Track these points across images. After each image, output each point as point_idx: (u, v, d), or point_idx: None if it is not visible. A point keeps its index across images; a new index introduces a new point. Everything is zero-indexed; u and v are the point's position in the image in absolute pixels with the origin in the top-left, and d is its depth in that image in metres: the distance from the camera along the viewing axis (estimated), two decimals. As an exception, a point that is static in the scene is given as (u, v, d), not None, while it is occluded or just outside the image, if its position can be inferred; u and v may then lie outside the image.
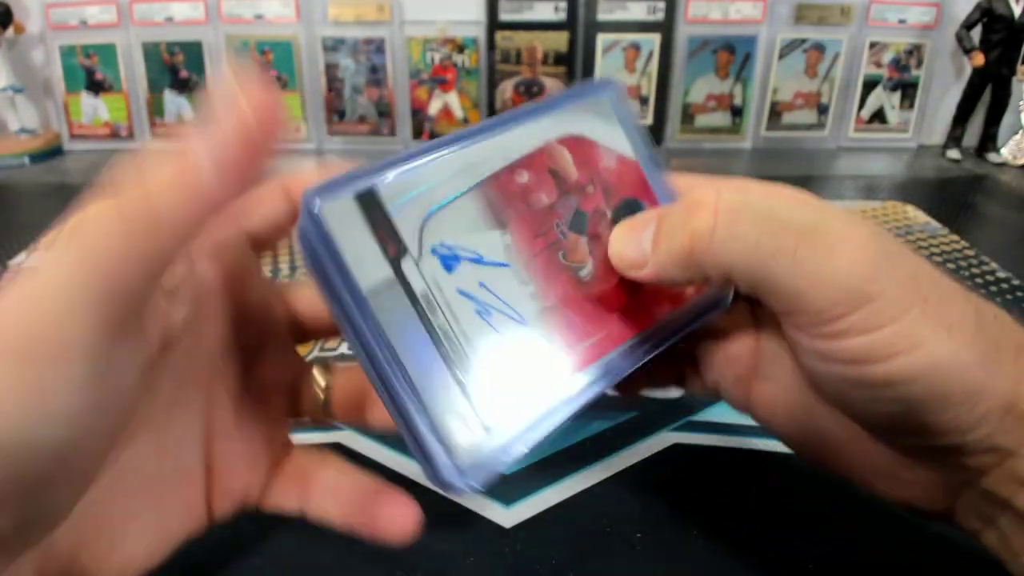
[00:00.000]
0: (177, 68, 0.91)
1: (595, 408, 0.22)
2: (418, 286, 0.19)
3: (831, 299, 0.18)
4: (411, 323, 0.19)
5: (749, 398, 0.25)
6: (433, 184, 0.20)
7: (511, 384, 0.20)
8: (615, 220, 0.23)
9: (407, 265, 0.19)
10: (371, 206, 0.18)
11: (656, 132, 0.94)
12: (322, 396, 0.25)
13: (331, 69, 0.91)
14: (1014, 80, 0.91)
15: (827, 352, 0.20)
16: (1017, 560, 0.20)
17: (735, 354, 0.25)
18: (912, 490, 0.22)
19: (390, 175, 0.19)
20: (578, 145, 0.23)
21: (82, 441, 0.16)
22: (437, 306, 0.19)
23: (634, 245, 0.22)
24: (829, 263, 0.18)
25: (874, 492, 0.23)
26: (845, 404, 0.21)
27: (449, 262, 0.20)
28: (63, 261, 0.16)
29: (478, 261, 0.20)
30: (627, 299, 0.23)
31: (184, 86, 0.92)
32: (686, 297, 0.24)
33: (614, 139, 0.24)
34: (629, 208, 0.24)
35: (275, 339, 0.25)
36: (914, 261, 0.19)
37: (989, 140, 0.93)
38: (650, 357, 0.23)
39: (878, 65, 0.93)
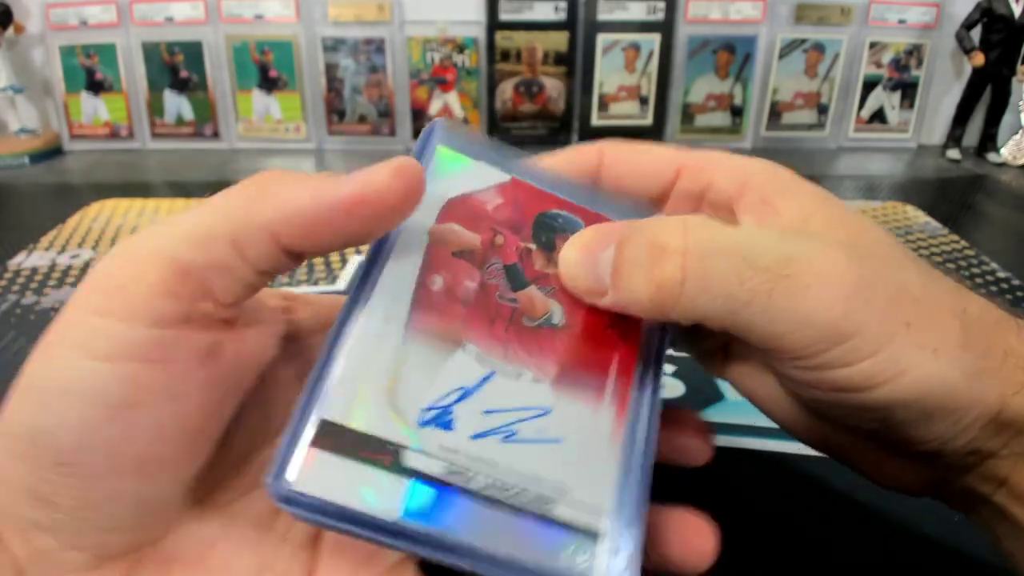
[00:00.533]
0: (177, 68, 0.91)
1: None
2: (436, 468, 0.17)
3: (808, 340, 0.18)
4: (462, 513, 0.17)
5: (724, 371, 0.24)
6: (369, 367, 0.18)
7: (582, 472, 0.18)
8: (543, 245, 0.21)
9: (411, 459, 0.17)
10: (334, 438, 0.17)
11: (656, 132, 0.94)
12: None
13: (331, 69, 0.91)
14: (1014, 80, 0.91)
15: (809, 382, 0.19)
16: (1000, 544, 0.21)
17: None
18: (895, 478, 0.22)
19: (327, 392, 0.17)
20: (454, 209, 0.20)
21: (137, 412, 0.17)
22: (468, 470, 0.18)
23: (589, 271, 0.20)
24: (804, 306, 0.18)
25: (859, 472, 0.23)
26: (828, 417, 0.21)
27: (443, 420, 0.18)
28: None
29: (466, 394, 0.18)
30: (609, 319, 0.21)
31: (184, 86, 0.92)
32: None
33: (477, 175, 0.21)
34: (543, 226, 0.21)
35: None
36: (894, 283, 0.19)
37: (989, 140, 0.93)
38: (663, 361, 0.21)
39: (878, 65, 0.93)
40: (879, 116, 0.96)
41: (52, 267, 0.56)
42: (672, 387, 0.40)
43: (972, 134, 0.96)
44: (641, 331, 0.21)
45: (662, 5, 0.89)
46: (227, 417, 0.20)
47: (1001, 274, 0.56)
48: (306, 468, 0.17)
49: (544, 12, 0.89)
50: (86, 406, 0.17)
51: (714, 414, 0.37)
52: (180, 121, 0.93)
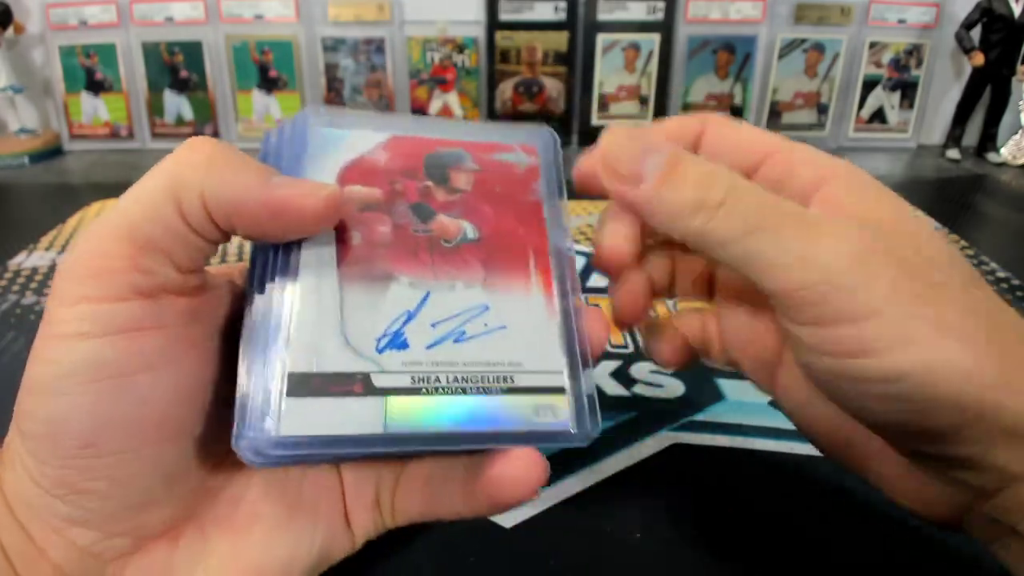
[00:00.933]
0: (177, 68, 0.91)
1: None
2: (403, 381, 0.20)
3: (807, 278, 0.18)
4: (437, 409, 0.20)
5: (773, 384, 0.24)
6: (315, 318, 0.20)
7: (531, 346, 0.22)
8: (438, 180, 0.23)
9: (379, 380, 0.20)
10: (305, 385, 0.19)
11: (656, 132, 0.94)
12: None
13: (331, 69, 0.91)
14: (1014, 80, 0.91)
15: (815, 343, 0.19)
16: None
17: (760, 334, 0.24)
18: (920, 500, 0.22)
19: (287, 347, 0.20)
20: (350, 174, 0.22)
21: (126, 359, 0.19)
22: (431, 374, 0.21)
23: (633, 158, 0.21)
24: (811, 245, 0.18)
25: (888, 496, 0.22)
26: (842, 400, 0.21)
27: (397, 342, 0.21)
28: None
29: (411, 316, 0.21)
30: (516, 221, 0.24)
31: (184, 86, 0.92)
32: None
33: (361, 141, 0.23)
34: (433, 164, 0.23)
35: None
36: (919, 267, 0.19)
37: (989, 140, 0.93)
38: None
39: (878, 65, 0.93)
40: (879, 116, 0.96)
41: (52, 267, 0.56)
42: (672, 387, 0.40)
43: (972, 134, 0.96)
44: (545, 225, 0.24)
45: (662, 5, 0.89)
46: (220, 373, 0.21)
47: (1001, 274, 0.56)
48: (288, 415, 0.19)
49: (544, 12, 0.89)
50: (95, 382, 0.18)
51: (714, 414, 0.37)
52: (180, 121, 0.93)
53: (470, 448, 0.21)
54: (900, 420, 0.19)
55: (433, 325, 0.21)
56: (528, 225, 0.24)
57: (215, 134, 0.94)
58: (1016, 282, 0.54)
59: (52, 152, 0.92)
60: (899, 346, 0.18)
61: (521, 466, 0.21)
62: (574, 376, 0.22)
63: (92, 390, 0.18)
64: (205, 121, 0.93)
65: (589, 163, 0.23)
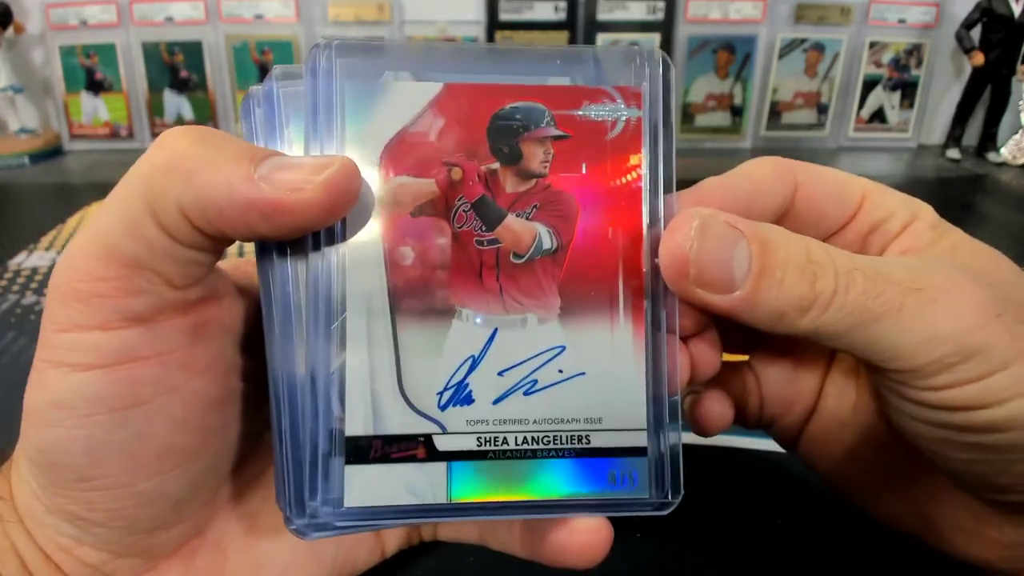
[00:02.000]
0: (177, 68, 0.91)
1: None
2: (469, 444, 0.18)
3: (938, 354, 0.17)
4: (506, 474, 0.18)
5: (799, 438, 0.24)
6: (371, 371, 0.18)
7: (611, 398, 0.19)
8: (507, 159, 0.18)
9: (444, 443, 0.18)
10: (363, 451, 0.17)
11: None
12: None
13: (331, 69, 0.91)
14: (1014, 80, 0.91)
15: (933, 401, 0.18)
16: None
17: (801, 389, 0.24)
18: (994, 549, 0.20)
19: (346, 404, 0.17)
20: (394, 156, 0.18)
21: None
22: (498, 435, 0.18)
23: (717, 261, 0.18)
24: (933, 319, 0.17)
25: (943, 546, 0.21)
26: (941, 455, 0.19)
27: (460, 396, 0.18)
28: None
29: (476, 363, 0.18)
30: (604, 218, 0.19)
31: (184, 86, 0.92)
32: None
33: (403, 99, 0.18)
34: (501, 133, 0.18)
35: None
36: (1021, 300, 0.18)
37: (989, 140, 0.93)
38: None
39: (878, 65, 0.93)
40: (879, 116, 0.96)
41: (52, 267, 0.56)
42: (672, 387, 0.40)
43: (972, 134, 0.96)
44: (643, 223, 0.19)
45: (662, 5, 0.89)
46: (236, 388, 0.20)
47: (1001, 274, 0.56)
48: (350, 486, 0.17)
49: (544, 12, 0.89)
50: (88, 416, 0.17)
51: (714, 414, 0.37)
52: (180, 121, 0.93)
53: (537, 517, 0.19)
54: (1004, 468, 0.18)
55: (500, 373, 0.18)
56: (621, 223, 0.19)
57: (215, 134, 0.94)
58: (1016, 282, 0.54)
59: (52, 152, 0.92)
60: (1021, 393, 0.17)
61: (585, 537, 0.19)
62: (657, 433, 0.19)
63: (86, 424, 0.17)
64: (205, 121, 0.93)
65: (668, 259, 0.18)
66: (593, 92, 0.18)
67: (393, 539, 0.23)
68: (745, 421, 0.25)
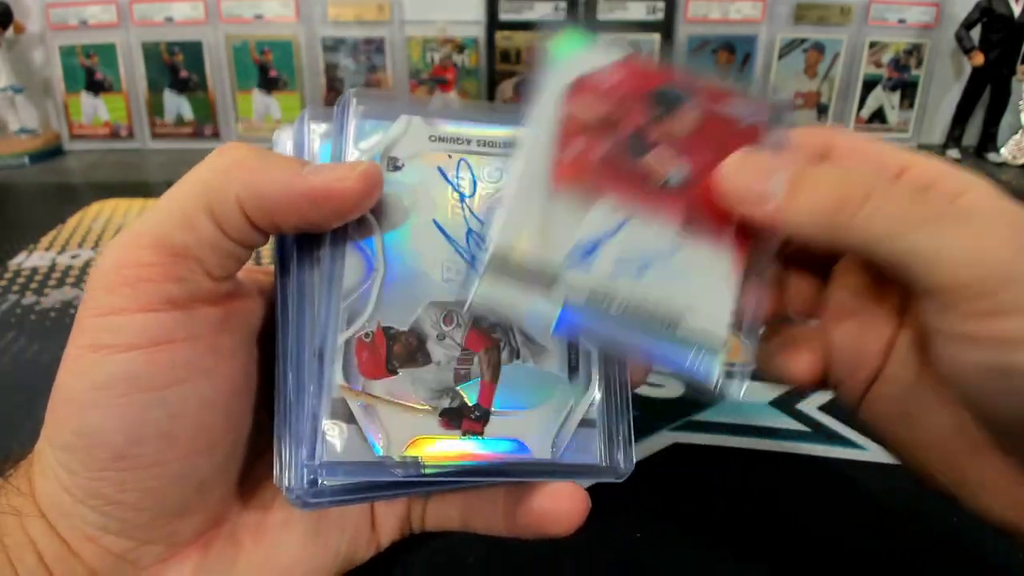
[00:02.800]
0: (177, 68, 0.91)
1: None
2: (580, 297, 0.21)
3: (976, 273, 0.17)
4: (603, 324, 0.21)
5: (864, 397, 0.24)
6: (525, 216, 0.21)
7: (703, 299, 0.22)
8: (659, 116, 0.22)
9: (560, 289, 0.20)
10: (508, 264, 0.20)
11: (656, 132, 0.94)
12: None
13: (331, 69, 0.91)
14: (1014, 80, 0.91)
15: (976, 334, 0.18)
16: None
17: (868, 351, 0.24)
18: None
19: (501, 229, 0.20)
20: (581, 86, 0.22)
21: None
22: (606, 298, 0.21)
23: (758, 179, 0.20)
24: (977, 239, 0.18)
25: (980, 510, 0.21)
26: (984, 399, 0.20)
27: (586, 262, 0.21)
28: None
29: (604, 239, 0.21)
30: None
31: (184, 86, 0.92)
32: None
33: (597, 55, 0.23)
34: (660, 98, 0.23)
35: None
36: None
37: (989, 140, 0.93)
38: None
39: (878, 65, 0.93)
40: (879, 116, 0.96)
41: (52, 267, 0.56)
42: (672, 387, 0.40)
43: (972, 134, 0.96)
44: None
45: (662, 5, 0.89)
46: (254, 382, 0.21)
47: (1001, 274, 0.56)
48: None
49: (544, 12, 0.89)
50: (128, 395, 0.18)
51: (714, 414, 0.37)
52: (180, 121, 0.93)
53: (622, 352, 0.22)
54: None
55: (620, 259, 0.21)
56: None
57: (215, 134, 0.94)
58: (1016, 282, 0.54)
59: (52, 152, 0.92)
60: None
61: (564, 502, 0.21)
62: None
63: (125, 403, 0.18)
64: (205, 121, 0.93)
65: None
66: (733, 95, 0.23)
67: (388, 530, 0.24)
68: (813, 382, 0.25)
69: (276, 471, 0.20)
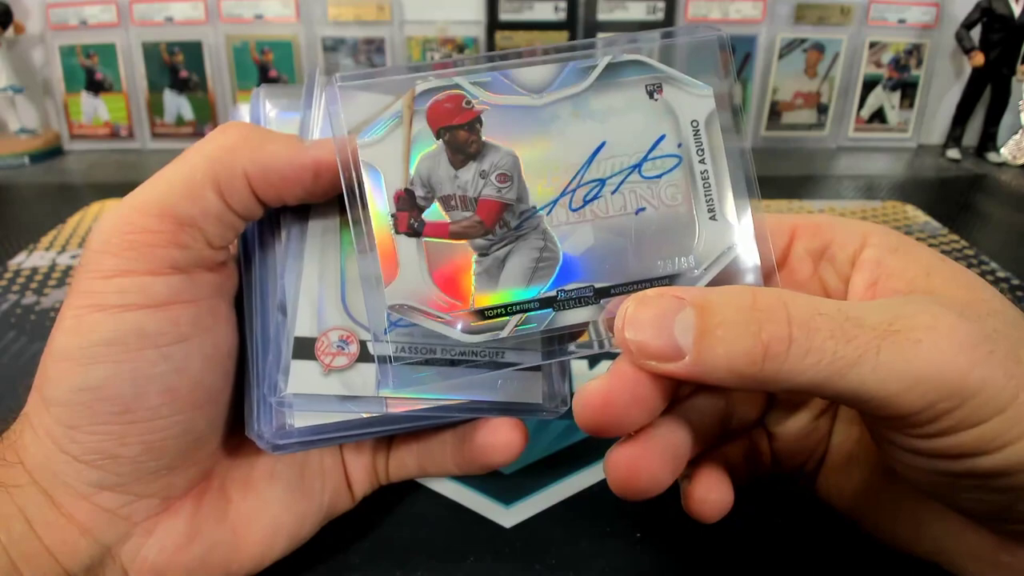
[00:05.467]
0: (177, 68, 0.91)
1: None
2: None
3: (928, 400, 0.16)
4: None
5: (816, 479, 0.25)
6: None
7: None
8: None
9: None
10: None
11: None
12: None
13: (331, 69, 0.91)
14: (1014, 80, 0.91)
15: (928, 449, 0.17)
16: None
17: (813, 441, 0.25)
18: (1009, 575, 0.20)
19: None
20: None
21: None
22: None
23: (661, 331, 0.18)
24: (917, 361, 0.16)
25: (959, 573, 0.21)
26: (945, 497, 0.19)
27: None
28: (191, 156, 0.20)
29: None
30: None
31: (184, 86, 0.92)
32: None
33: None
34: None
35: None
36: (1012, 335, 0.17)
37: (989, 140, 0.93)
38: None
39: (878, 65, 0.93)
40: (879, 116, 0.96)
41: (52, 267, 0.56)
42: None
43: (972, 134, 0.96)
44: None
45: (662, 5, 0.89)
46: (237, 343, 0.23)
47: (1001, 274, 0.56)
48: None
49: (544, 12, 0.89)
50: (136, 351, 0.19)
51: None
52: (180, 121, 0.93)
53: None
54: (1013, 505, 0.18)
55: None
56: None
57: (215, 134, 0.94)
58: (1016, 282, 0.54)
59: (52, 152, 0.92)
60: (1020, 437, 0.16)
61: (505, 434, 0.23)
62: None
63: (133, 358, 0.19)
64: (205, 121, 0.93)
65: (600, 390, 0.19)
66: None
67: (360, 483, 0.26)
68: (760, 475, 0.26)
69: (247, 419, 0.22)
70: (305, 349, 0.22)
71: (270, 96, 0.24)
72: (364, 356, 0.22)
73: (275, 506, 0.23)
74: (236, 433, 0.23)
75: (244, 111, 0.24)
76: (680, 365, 0.17)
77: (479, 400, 0.23)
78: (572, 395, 0.22)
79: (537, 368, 0.24)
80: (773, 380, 0.17)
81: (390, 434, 0.25)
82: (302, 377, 0.21)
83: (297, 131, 0.23)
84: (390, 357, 0.21)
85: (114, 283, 0.19)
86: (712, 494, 0.22)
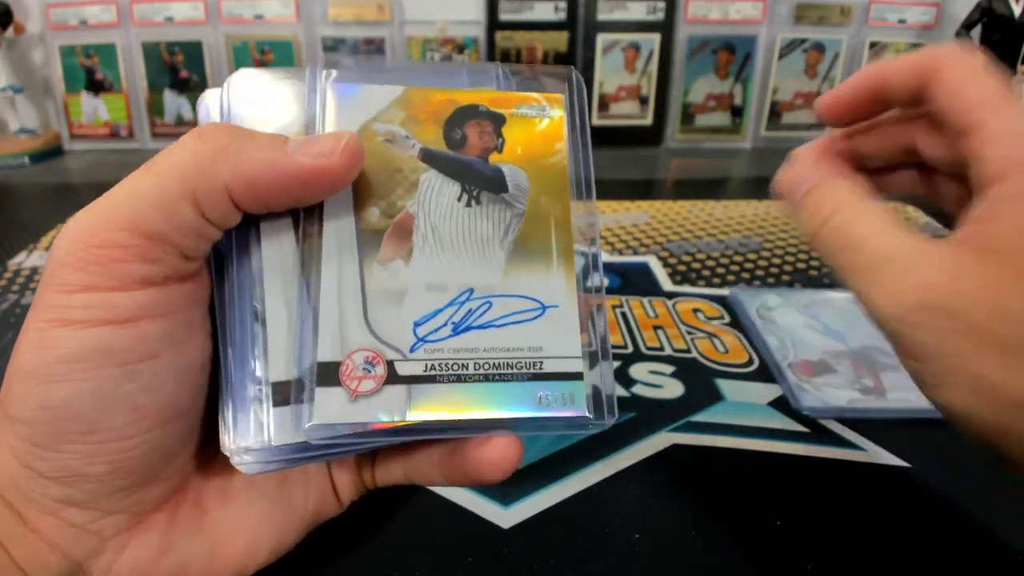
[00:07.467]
0: (177, 68, 0.91)
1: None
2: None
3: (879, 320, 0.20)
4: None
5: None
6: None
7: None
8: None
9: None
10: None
11: (656, 132, 0.94)
12: None
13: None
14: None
15: None
16: None
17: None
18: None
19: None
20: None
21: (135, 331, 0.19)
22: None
23: (793, 183, 0.24)
24: (872, 291, 0.20)
25: None
26: None
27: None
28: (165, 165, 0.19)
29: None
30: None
31: (184, 86, 0.92)
32: None
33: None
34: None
35: None
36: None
37: (989, 140, 0.93)
38: None
39: (878, 65, 0.93)
40: (879, 116, 0.96)
41: (52, 267, 0.56)
42: (671, 387, 0.40)
43: (972, 134, 0.96)
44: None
45: (662, 5, 0.89)
46: (211, 352, 0.21)
47: (1001, 274, 0.56)
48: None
49: (544, 12, 0.89)
50: (100, 369, 0.18)
51: (713, 415, 0.37)
52: (180, 121, 0.93)
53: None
54: None
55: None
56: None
57: (215, 134, 0.94)
58: (1016, 282, 0.54)
59: (52, 152, 0.92)
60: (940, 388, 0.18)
61: (500, 450, 0.21)
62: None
63: (96, 376, 0.18)
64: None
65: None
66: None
67: (345, 489, 0.25)
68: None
69: (221, 435, 0.20)
70: (329, 375, 0.20)
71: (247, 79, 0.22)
72: (392, 377, 0.20)
73: (254, 516, 0.23)
74: (211, 443, 0.22)
75: (212, 96, 0.22)
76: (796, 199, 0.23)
77: (516, 416, 0.21)
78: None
79: (578, 376, 0.22)
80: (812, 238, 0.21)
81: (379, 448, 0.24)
82: (328, 406, 0.20)
83: (271, 111, 0.22)
84: (420, 377, 0.20)
85: (78, 298, 0.18)
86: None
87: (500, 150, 0.23)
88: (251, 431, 0.20)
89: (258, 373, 0.20)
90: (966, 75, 0.20)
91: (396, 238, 0.21)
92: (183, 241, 0.19)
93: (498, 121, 0.23)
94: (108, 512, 0.20)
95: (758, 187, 0.77)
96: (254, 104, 0.22)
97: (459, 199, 0.22)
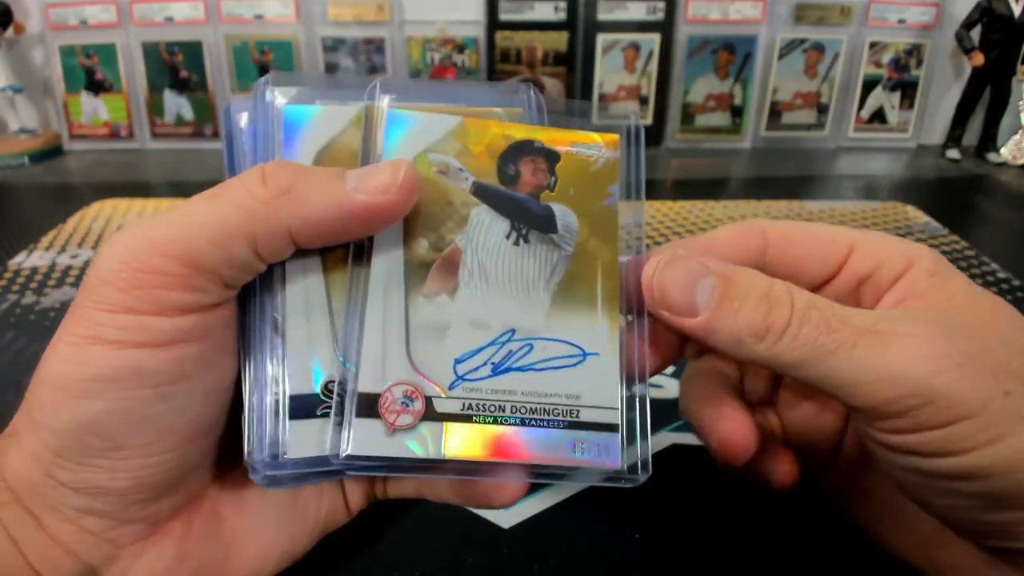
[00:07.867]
0: (177, 68, 0.91)
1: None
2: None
3: (893, 395, 0.18)
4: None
5: (825, 481, 0.26)
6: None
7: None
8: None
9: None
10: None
11: (656, 132, 0.94)
12: None
13: (331, 69, 0.91)
14: (1014, 80, 0.91)
15: (897, 444, 0.19)
16: None
17: (822, 432, 0.25)
18: None
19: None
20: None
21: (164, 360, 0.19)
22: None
23: (685, 288, 0.21)
24: (887, 359, 0.18)
25: None
26: (921, 498, 0.20)
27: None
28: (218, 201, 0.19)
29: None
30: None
31: (184, 86, 0.92)
32: None
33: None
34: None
35: None
36: (1000, 359, 0.19)
37: (989, 140, 0.93)
38: None
39: (878, 65, 0.93)
40: (879, 116, 0.96)
41: (52, 267, 0.56)
42: (672, 387, 0.40)
43: (972, 134, 0.96)
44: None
45: (662, 5, 0.89)
46: (238, 370, 0.22)
47: (1001, 274, 0.56)
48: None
49: (544, 12, 0.89)
50: (134, 390, 0.18)
51: (714, 414, 0.37)
52: (180, 121, 0.93)
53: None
54: (983, 515, 0.19)
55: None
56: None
57: (215, 134, 0.94)
58: (1016, 282, 0.54)
59: (52, 152, 0.92)
60: (988, 443, 0.18)
61: (512, 482, 0.22)
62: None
63: (129, 396, 0.18)
64: (205, 121, 0.93)
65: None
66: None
67: (355, 499, 0.25)
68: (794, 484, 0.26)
69: (246, 450, 0.20)
70: (369, 406, 0.20)
71: (279, 85, 0.22)
72: (429, 414, 0.20)
73: (268, 526, 0.23)
74: (229, 453, 0.22)
75: (243, 105, 0.22)
76: (691, 322, 0.20)
77: (548, 463, 0.21)
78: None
79: (615, 428, 0.21)
80: (763, 355, 0.20)
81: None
82: (365, 438, 0.20)
83: (307, 125, 0.22)
84: (456, 415, 0.20)
85: (118, 319, 0.18)
86: (784, 464, 0.25)
87: (552, 188, 0.22)
88: (267, 443, 0.20)
89: (276, 385, 0.20)
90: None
91: (443, 272, 0.21)
92: (231, 274, 0.19)
93: (552, 159, 0.23)
94: (126, 521, 0.20)
95: (758, 187, 0.77)
96: (303, 127, 0.22)
97: (507, 236, 0.22)
